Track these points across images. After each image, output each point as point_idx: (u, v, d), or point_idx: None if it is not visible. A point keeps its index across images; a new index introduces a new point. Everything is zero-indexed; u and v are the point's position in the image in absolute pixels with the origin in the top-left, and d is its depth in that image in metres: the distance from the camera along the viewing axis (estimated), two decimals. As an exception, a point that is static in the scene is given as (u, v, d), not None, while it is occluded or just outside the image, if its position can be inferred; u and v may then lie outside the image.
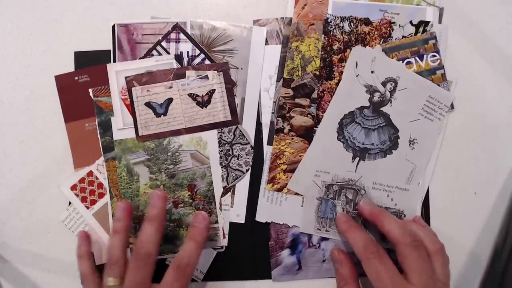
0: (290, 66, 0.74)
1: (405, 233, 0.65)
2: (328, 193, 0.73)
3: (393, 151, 0.74)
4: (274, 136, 0.74)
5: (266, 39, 0.75)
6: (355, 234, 0.69)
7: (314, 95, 0.74)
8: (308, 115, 0.74)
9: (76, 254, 0.72)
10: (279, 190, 0.74)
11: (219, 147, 0.74)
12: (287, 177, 0.74)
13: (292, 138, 0.74)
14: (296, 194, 0.74)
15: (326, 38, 0.75)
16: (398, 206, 0.74)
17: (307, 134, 0.74)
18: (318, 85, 0.74)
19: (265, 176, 0.74)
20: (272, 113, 0.75)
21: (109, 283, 0.65)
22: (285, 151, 0.74)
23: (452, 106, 0.75)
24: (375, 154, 0.74)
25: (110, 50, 0.75)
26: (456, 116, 0.76)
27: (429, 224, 0.75)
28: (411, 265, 0.64)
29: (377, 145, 0.74)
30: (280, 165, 0.74)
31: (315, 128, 0.74)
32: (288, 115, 0.74)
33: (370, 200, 0.73)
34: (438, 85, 0.74)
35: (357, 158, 0.74)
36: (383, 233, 0.68)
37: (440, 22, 0.76)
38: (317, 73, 0.74)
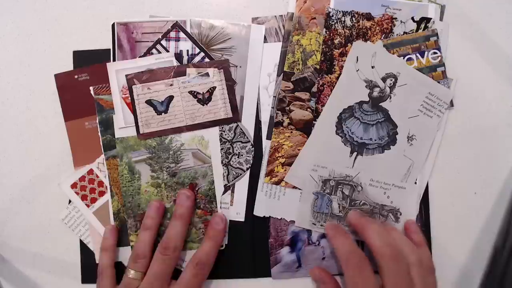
0: (291, 60, 0.74)
1: (384, 245, 0.65)
2: (324, 188, 0.73)
3: (391, 146, 0.74)
4: (274, 129, 0.74)
5: (265, 36, 0.75)
6: (339, 241, 0.69)
7: (314, 89, 0.74)
8: (308, 109, 0.74)
9: (101, 245, 0.73)
10: (277, 183, 0.74)
11: (219, 145, 0.74)
12: (285, 170, 0.74)
13: (291, 132, 0.74)
14: (294, 187, 0.74)
15: (328, 32, 0.75)
16: (394, 203, 0.74)
17: (306, 128, 0.74)
18: (318, 79, 0.74)
19: (263, 171, 0.74)
20: (272, 107, 0.75)
21: (131, 275, 0.69)
22: (283, 144, 0.74)
23: (451, 104, 0.75)
24: (373, 149, 0.74)
25: (109, 50, 0.75)
26: (456, 116, 0.76)
27: (428, 224, 0.75)
28: (388, 279, 0.64)
29: (375, 140, 0.74)
30: (278, 158, 0.74)
31: (314, 122, 0.74)
32: (287, 108, 0.74)
33: (358, 211, 0.72)
34: (438, 82, 0.74)
35: (355, 153, 0.74)
36: (366, 244, 0.67)
37: (441, 19, 0.76)
38: (318, 67, 0.74)
